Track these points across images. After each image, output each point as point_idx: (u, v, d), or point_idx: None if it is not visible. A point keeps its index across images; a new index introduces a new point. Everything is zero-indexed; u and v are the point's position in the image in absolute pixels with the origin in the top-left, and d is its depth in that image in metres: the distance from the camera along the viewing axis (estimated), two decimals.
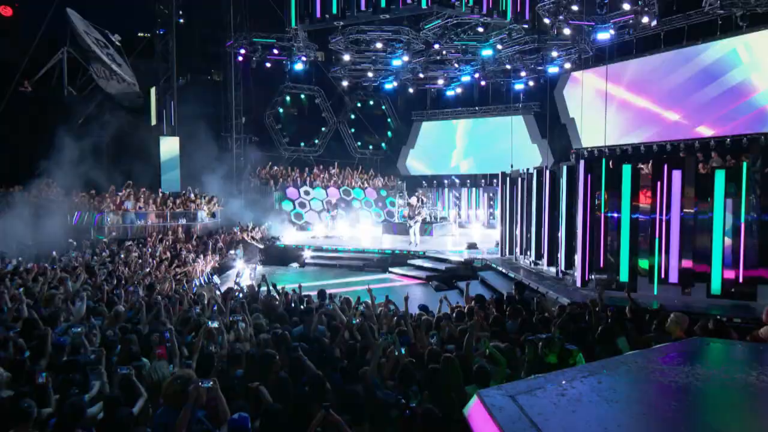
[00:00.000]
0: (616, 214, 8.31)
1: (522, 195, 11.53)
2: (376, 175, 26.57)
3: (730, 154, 16.06)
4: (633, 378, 3.48)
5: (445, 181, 25.35)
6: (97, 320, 6.35)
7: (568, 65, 21.98)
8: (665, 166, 7.91)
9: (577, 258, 8.86)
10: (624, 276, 8.19)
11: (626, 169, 8.18)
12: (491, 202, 23.49)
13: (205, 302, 7.72)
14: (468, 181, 25.19)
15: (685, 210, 7.85)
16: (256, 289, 8.64)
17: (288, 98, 26.69)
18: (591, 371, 3.52)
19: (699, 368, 3.67)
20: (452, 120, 26.48)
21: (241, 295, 8.00)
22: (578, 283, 8.84)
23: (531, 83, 24.17)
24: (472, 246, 15.36)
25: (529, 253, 11.23)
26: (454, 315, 6.88)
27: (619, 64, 19.68)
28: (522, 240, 11.67)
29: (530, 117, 24.62)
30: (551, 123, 23.43)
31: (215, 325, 5.49)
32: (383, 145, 28.76)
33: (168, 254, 13.84)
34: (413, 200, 17.05)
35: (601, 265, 8.54)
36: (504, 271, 11.31)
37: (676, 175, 7.77)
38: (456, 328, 6.31)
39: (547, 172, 10.21)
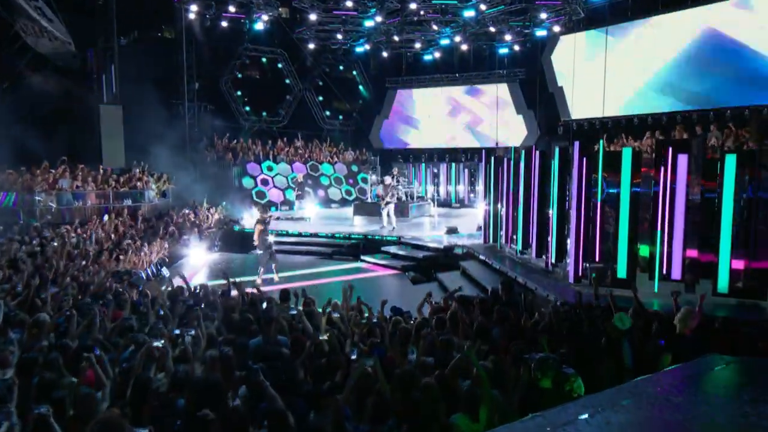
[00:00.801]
0: (613, 197, 8.04)
1: (508, 177, 11.21)
2: (347, 148, 26.01)
3: (729, 127, 16.04)
4: (645, 415, 3.20)
5: (423, 156, 24.99)
6: (15, 333, 5.79)
7: (557, 28, 21.63)
8: (669, 149, 7.63)
9: (570, 248, 8.60)
10: (622, 270, 7.97)
11: (626, 153, 7.89)
12: (472, 179, 23.24)
13: (149, 305, 7.20)
14: (447, 155, 24.86)
15: (690, 197, 7.62)
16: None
17: (247, 62, 25.70)
18: (595, 407, 3.22)
19: (720, 400, 3.40)
20: (430, 87, 25.95)
21: (191, 300, 7.46)
22: (570, 278, 8.60)
23: (516, 48, 23.79)
24: (452, 230, 15.06)
25: (515, 240, 10.96)
26: (434, 321, 6.53)
27: (613, 27, 19.40)
28: (508, 227, 11.39)
29: (515, 85, 24.28)
30: (538, 92, 23.12)
31: (159, 344, 5.01)
32: (354, 114, 28.10)
33: (110, 241, 13.17)
34: (387, 179, 16.57)
35: (597, 257, 8.29)
36: (488, 261, 11.04)
37: (682, 159, 7.51)
38: (437, 337, 5.98)
39: (537, 152, 9.87)
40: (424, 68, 25.86)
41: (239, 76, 25.51)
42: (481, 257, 11.49)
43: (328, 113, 27.46)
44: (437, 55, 25.16)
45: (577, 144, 8.41)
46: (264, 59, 25.75)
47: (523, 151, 10.36)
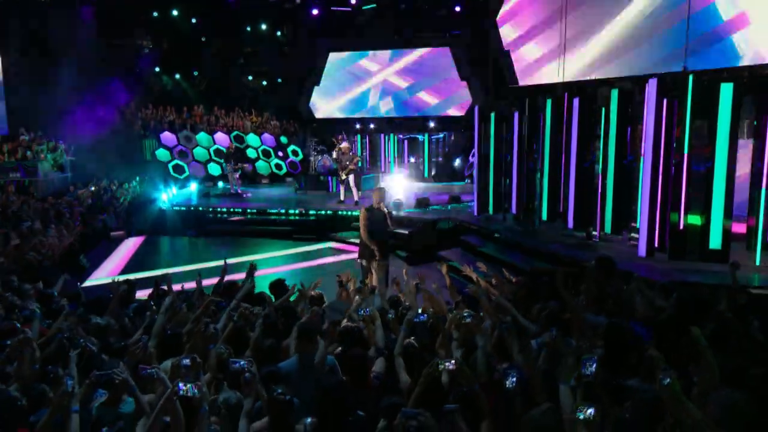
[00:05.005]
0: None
1: (519, 133, 9.37)
2: (273, 117, 23.14)
3: None
4: None
5: (357, 126, 22.73)
6: None
7: None
8: None
9: (642, 215, 6.91)
10: (716, 239, 6.39)
11: (726, 88, 6.26)
12: (412, 150, 21.61)
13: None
14: (384, 124, 22.77)
15: None
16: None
17: (156, 14, 21.93)
18: None
19: None
20: (366, 51, 23.57)
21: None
22: (642, 251, 6.93)
23: (458, 9, 22.05)
24: (422, 203, 13.06)
25: (533, 209, 9.17)
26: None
27: None
28: (520, 193, 9.57)
29: (459, 49, 22.54)
30: (483, 56, 21.59)
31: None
32: (279, 80, 25.11)
33: None
34: (344, 144, 14.22)
35: (681, 226, 6.65)
36: (500, 235, 9.15)
37: None
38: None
39: (576, 100, 8.06)
40: (360, 28, 23.32)
41: (147, 31, 21.72)
42: (489, 230, 9.60)
43: (250, 77, 24.28)
44: (374, 13, 22.78)
45: (653, 82, 6.68)
46: (175, 12, 22.05)
47: (549, 100, 8.53)
